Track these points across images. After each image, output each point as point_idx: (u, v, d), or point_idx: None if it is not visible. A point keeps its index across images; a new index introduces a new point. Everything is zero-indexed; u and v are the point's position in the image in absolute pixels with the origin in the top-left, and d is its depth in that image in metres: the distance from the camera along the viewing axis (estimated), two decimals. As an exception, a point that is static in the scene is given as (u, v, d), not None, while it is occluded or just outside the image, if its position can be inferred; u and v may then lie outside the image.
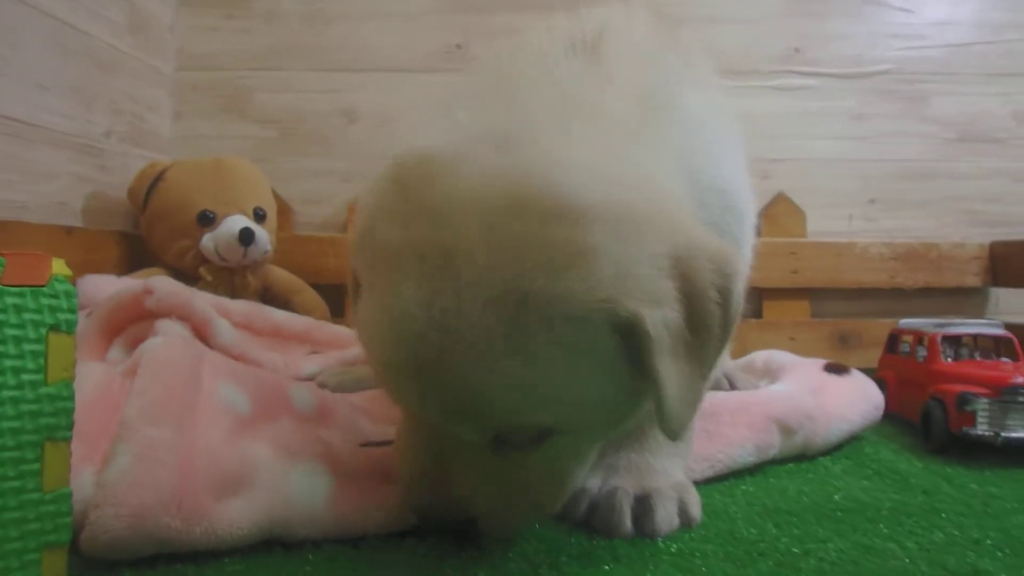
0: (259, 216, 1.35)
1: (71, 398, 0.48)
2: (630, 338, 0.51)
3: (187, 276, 1.28)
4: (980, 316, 1.60)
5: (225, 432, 0.64)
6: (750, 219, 0.79)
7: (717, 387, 0.99)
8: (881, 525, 0.65)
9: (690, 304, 0.52)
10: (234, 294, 1.28)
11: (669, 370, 0.51)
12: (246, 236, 1.28)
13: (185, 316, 0.94)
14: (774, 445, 0.82)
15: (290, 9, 1.62)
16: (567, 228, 0.50)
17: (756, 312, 1.58)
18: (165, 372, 0.65)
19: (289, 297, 1.39)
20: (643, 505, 0.63)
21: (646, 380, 0.52)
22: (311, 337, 1.20)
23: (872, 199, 1.63)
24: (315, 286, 1.45)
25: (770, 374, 1.09)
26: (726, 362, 1.06)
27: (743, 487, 0.76)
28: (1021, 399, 0.85)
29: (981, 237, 1.60)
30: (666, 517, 0.62)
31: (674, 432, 0.54)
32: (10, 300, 0.46)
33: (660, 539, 0.61)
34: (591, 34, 0.69)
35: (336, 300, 1.46)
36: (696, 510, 0.64)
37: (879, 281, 1.58)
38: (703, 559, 0.57)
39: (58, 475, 0.47)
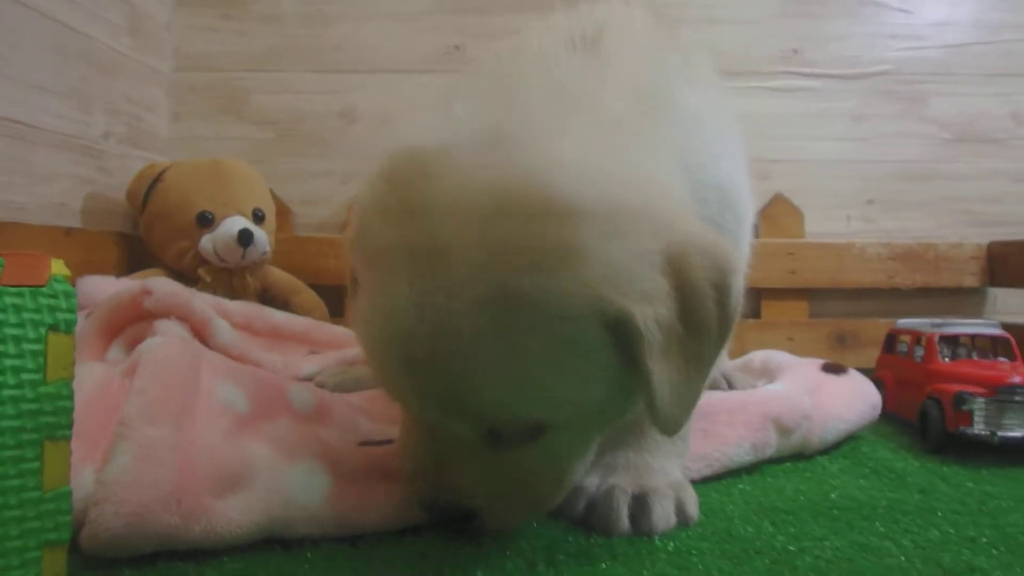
0: (258, 217, 1.35)
1: (70, 397, 0.48)
2: (622, 335, 0.51)
3: (186, 277, 1.28)
4: (978, 316, 1.60)
5: (224, 431, 0.64)
6: (749, 218, 0.79)
7: (715, 387, 1.00)
8: (877, 523, 0.65)
9: (685, 301, 0.52)
10: (233, 295, 1.28)
11: (660, 367, 0.51)
12: (245, 237, 1.28)
13: (184, 316, 0.94)
14: (771, 444, 0.82)
15: (288, 10, 1.62)
16: (558, 226, 0.50)
17: (754, 312, 1.58)
18: (164, 371, 0.65)
19: (288, 298, 1.40)
20: (640, 503, 0.63)
21: (640, 377, 0.52)
22: (310, 338, 1.20)
23: (870, 199, 1.63)
24: (314, 287, 1.45)
25: (768, 374, 1.10)
26: (724, 362, 1.07)
27: (740, 486, 0.76)
28: (1017, 399, 0.85)
29: (979, 237, 1.60)
30: (663, 515, 0.62)
31: (668, 429, 0.54)
32: (9, 300, 0.46)
33: (657, 537, 0.61)
34: (591, 31, 0.69)
35: (335, 301, 1.46)
36: (693, 509, 0.65)
37: (877, 281, 1.58)
38: (700, 557, 0.57)
39: (58, 474, 0.48)
